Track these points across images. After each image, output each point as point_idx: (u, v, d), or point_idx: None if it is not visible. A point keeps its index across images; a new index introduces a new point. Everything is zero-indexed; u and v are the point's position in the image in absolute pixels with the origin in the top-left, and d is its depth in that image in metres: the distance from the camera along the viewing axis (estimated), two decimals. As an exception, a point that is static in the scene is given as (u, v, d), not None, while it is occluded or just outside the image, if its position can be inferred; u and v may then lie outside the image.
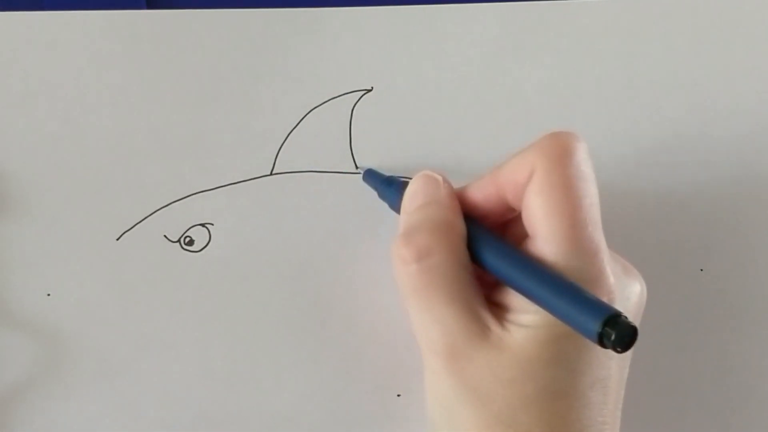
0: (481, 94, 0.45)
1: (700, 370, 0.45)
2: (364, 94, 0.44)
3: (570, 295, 0.34)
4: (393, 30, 0.44)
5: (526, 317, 0.35)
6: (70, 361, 0.42)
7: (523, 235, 0.37)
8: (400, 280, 0.37)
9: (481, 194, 0.38)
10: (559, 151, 0.35)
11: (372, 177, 0.43)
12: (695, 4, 0.46)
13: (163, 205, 0.43)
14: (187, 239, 0.43)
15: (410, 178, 0.40)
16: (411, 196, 0.39)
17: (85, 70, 0.43)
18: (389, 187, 0.41)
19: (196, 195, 0.43)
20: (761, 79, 0.46)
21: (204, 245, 0.43)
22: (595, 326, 0.32)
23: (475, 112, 0.45)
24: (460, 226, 0.37)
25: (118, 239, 0.42)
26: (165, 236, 0.43)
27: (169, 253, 0.42)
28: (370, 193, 0.43)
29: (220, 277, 0.43)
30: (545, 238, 0.35)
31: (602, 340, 0.32)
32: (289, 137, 0.44)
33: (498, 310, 0.36)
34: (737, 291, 0.45)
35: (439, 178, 0.39)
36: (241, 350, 0.43)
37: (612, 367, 0.37)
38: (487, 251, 0.37)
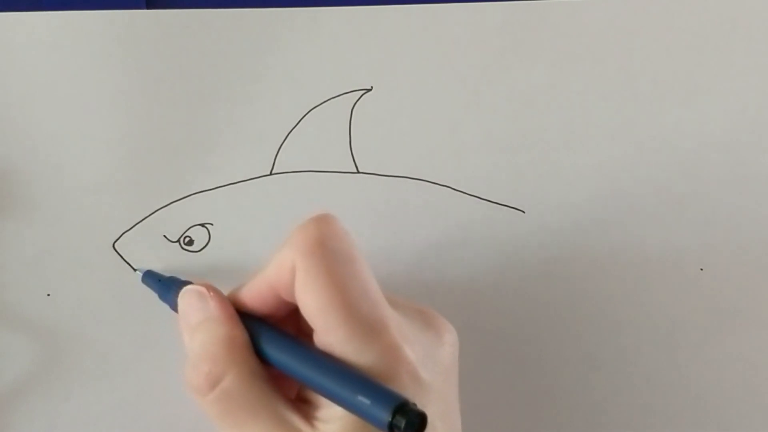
0: (481, 94, 0.45)
1: (700, 370, 0.45)
2: (364, 93, 0.44)
3: (356, 387, 0.33)
4: (393, 30, 0.44)
5: (334, 410, 0.34)
6: (70, 361, 0.42)
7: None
8: (203, 409, 0.36)
9: (258, 294, 0.37)
10: (311, 245, 0.34)
11: (151, 279, 0.41)
12: (695, 4, 0.45)
13: (163, 205, 0.43)
14: (187, 239, 0.43)
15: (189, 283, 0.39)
16: (183, 318, 0.38)
17: (85, 70, 0.43)
18: (169, 291, 0.40)
19: (196, 195, 0.43)
20: (761, 79, 0.46)
21: (204, 245, 0.43)
22: (385, 416, 0.32)
23: (475, 112, 0.45)
24: (242, 336, 0.36)
25: (117, 239, 0.42)
26: (165, 236, 0.43)
27: (169, 253, 0.42)
28: (370, 193, 0.43)
29: (219, 277, 0.43)
30: (325, 332, 0.34)
31: (392, 430, 0.32)
32: (288, 137, 0.44)
33: (307, 407, 0.35)
34: (737, 291, 0.45)
35: (204, 290, 0.37)
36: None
37: None
38: (273, 352, 0.36)
